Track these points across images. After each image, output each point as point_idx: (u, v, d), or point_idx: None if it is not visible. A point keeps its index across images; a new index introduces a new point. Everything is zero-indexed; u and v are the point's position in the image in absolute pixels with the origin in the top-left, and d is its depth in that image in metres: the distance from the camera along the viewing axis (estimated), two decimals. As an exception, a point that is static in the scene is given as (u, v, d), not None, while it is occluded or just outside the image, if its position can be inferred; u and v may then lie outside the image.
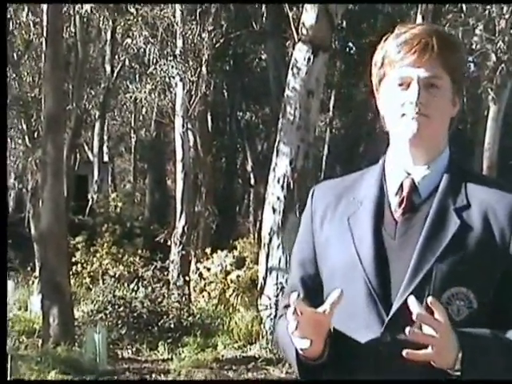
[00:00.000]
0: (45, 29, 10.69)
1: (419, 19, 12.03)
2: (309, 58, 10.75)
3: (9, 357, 7.91)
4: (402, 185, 2.10)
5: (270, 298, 10.62)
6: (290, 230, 10.41)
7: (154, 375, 9.34)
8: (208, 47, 14.25)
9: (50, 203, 10.33)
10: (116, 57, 19.25)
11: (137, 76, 17.58)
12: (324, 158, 22.89)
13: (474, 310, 2.00)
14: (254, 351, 10.33)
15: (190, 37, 13.89)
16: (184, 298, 11.91)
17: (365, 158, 20.43)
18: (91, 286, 13.87)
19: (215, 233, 18.85)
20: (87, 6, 14.40)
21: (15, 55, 14.95)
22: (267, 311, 10.57)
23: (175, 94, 14.22)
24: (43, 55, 10.92)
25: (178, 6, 13.82)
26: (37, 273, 12.76)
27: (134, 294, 11.70)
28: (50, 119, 10.44)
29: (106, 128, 23.11)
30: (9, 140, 14.84)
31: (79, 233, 16.26)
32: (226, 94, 22.64)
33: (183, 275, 13.16)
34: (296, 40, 11.14)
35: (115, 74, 19.06)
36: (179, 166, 13.77)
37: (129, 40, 15.43)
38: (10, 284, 12.70)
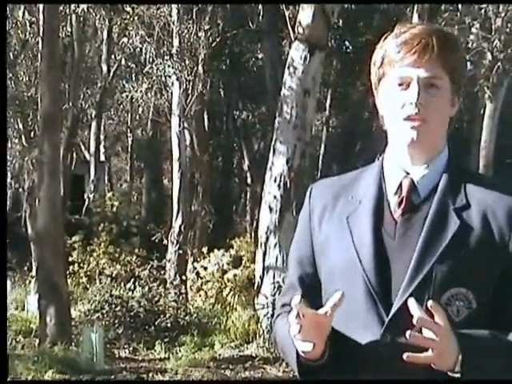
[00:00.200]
0: (41, 28, 10.67)
1: (415, 18, 12.02)
2: (305, 57, 10.74)
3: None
4: (401, 184, 2.10)
5: (266, 297, 10.62)
6: (286, 228, 10.42)
7: (151, 374, 9.32)
8: (204, 46, 14.25)
9: (47, 203, 10.31)
10: (112, 56, 19.19)
11: (133, 75, 17.56)
12: (321, 156, 22.85)
13: (473, 311, 2.00)
14: (251, 350, 10.32)
15: (187, 36, 13.88)
16: (181, 297, 11.90)
17: (361, 156, 20.41)
18: (88, 286, 13.86)
19: (212, 232, 18.82)
20: (83, 6, 14.37)
21: (11, 55, 14.90)
22: (264, 310, 10.56)
23: (172, 93, 14.19)
24: (39, 55, 10.91)
25: (174, 5, 13.81)
26: (33, 272, 12.73)
27: (130, 293, 11.70)
28: (46, 119, 10.42)
29: (102, 127, 23.06)
30: (5, 139, 14.80)
31: (76, 232, 16.25)
32: (222, 93, 22.61)
33: (180, 274, 13.15)
34: (292, 39, 11.13)
35: (111, 74, 19.01)
36: (176, 165, 13.75)
37: (125, 39, 15.43)
38: (7, 284, 12.67)
